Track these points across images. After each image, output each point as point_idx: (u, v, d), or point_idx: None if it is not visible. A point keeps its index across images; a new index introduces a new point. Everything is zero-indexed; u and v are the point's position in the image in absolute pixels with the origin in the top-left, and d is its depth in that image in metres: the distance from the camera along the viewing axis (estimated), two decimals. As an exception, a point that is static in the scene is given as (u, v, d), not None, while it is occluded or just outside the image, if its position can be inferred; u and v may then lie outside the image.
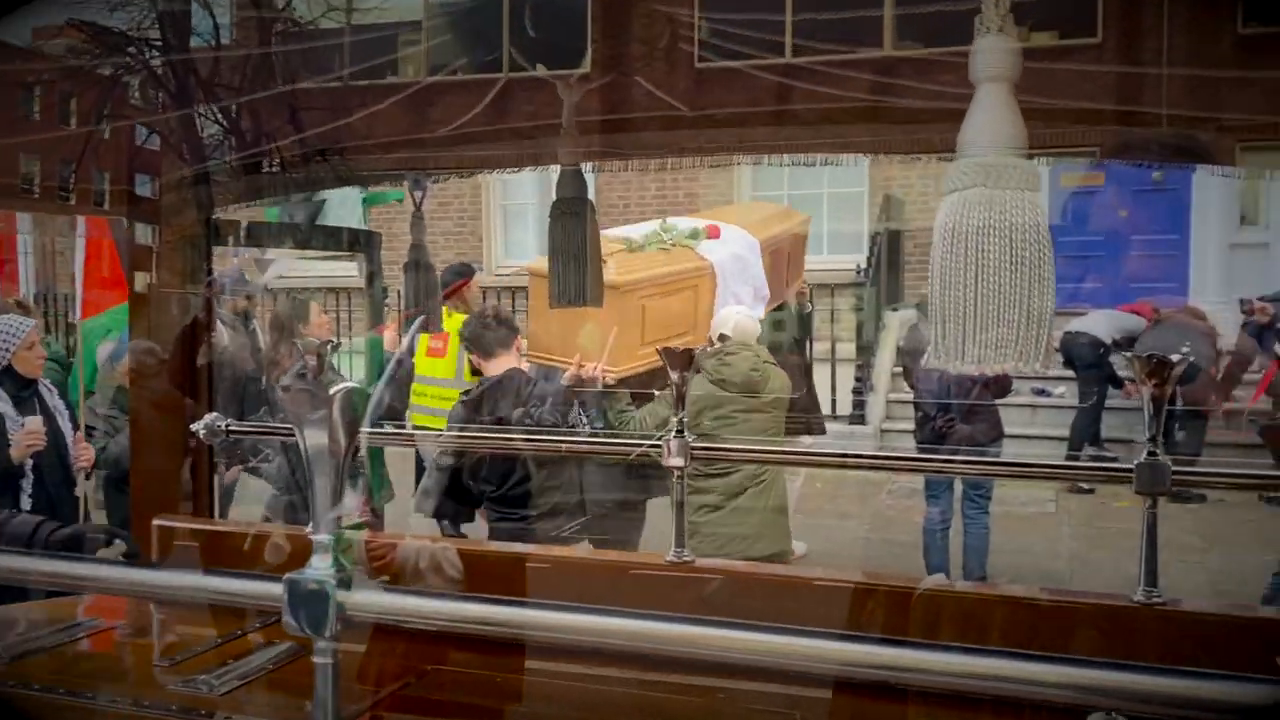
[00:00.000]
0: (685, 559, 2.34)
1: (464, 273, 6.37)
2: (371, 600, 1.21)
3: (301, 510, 4.47)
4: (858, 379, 9.36)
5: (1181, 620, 1.94)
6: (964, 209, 1.31)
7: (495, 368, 4.37)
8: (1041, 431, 8.47)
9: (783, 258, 5.88)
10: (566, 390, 4.28)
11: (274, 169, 2.88)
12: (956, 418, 6.00)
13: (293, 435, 1.21)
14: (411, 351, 6.21)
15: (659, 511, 4.29)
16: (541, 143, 2.34)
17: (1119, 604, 2.00)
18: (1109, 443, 8.13)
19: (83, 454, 4.64)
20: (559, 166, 2.25)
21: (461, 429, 4.25)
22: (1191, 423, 7.28)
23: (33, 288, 10.57)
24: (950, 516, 6.18)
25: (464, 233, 12.43)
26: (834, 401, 8.92)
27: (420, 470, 6.69)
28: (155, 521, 2.62)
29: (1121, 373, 8.02)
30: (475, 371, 6.48)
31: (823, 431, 7.20)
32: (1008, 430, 6.42)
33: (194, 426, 2.70)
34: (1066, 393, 8.65)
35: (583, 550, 3.69)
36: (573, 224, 2.18)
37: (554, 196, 2.22)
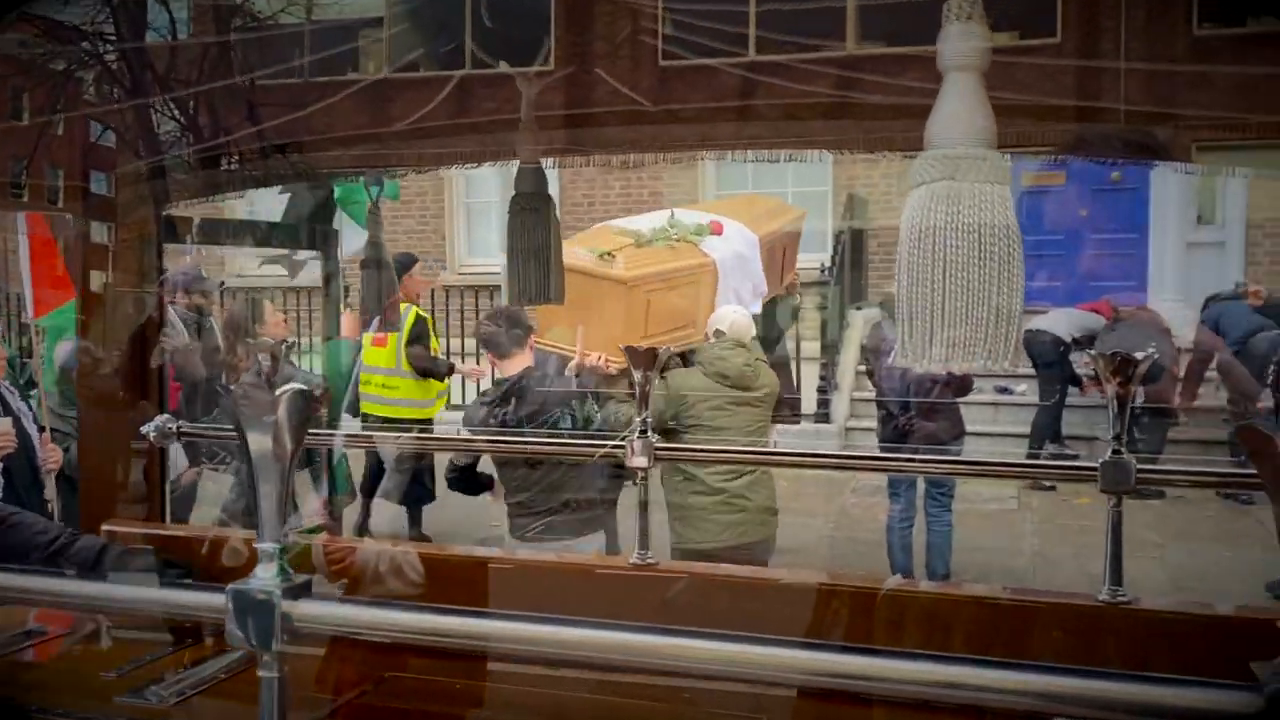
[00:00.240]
0: (649, 561, 2.32)
1: (405, 264, 6.41)
2: (320, 611, 1.17)
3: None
4: (822, 377, 9.39)
5: (1147, 619, 1.94)
6: (931, 203, 1.27)
7: (511, 367, 4.41)
8: (1003, 429, 8.53)
9: (778, 252, 6.01)
10: (578, 387, 4.35)
11: (231, 165, 2.82)
12: (918, 416, 6.04)
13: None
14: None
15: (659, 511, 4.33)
16: (501, 138, 2.30)
17: (1085, 603, 1.99)
18: (1069, 440, 8.20)
19: (51, 455, 4.53)
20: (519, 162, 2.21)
21: (480, 430, 4.28)
22: (1153, 420, 7.34)
23: (-16, 287, 10.32)
24: (913, 514, 6.20)
25: (427, 230, 12.35)
26: (798, 400, 8.94)
27: (373, 466, 6.67)
28: (104, 526, 2.56)
29: (1080, 371, 8.08)
30: (423, 371, 6.50)
31: (796, 422, 7.27)
32: (970, 428, 6.47)
33: (144, 429, 2.63)
34: (1028, 390, 8.71)
35: (547, 554, 3.67)
36: (532, 220, 2.14)
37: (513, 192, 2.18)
